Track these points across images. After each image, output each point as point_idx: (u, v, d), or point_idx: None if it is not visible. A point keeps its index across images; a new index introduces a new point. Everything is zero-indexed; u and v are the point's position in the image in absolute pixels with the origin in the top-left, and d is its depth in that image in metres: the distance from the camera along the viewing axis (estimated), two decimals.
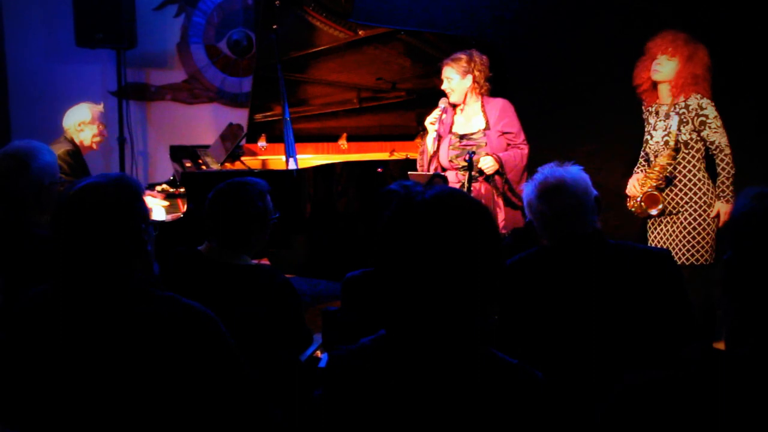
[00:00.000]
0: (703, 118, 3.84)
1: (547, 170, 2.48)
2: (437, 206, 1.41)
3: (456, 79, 4.23)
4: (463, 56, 4.25)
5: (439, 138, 4.25)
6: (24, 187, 2.67)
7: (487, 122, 4.25)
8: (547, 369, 2.26)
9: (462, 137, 4.27)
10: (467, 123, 4.31)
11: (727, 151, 3.84)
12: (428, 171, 4.24)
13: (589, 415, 2.15)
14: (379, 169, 4.58)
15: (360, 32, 4.89)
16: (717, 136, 3.83)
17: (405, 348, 1.43)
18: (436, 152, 4.28)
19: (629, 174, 4.22)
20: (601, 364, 2.29)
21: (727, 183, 3.84)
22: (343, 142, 5.29)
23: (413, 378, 1.41)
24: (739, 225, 1.49)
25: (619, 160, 4.90)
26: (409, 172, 4.27)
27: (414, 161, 4.82)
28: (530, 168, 4.35)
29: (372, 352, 1.47)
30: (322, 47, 4.92)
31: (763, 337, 1.40)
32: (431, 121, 4.28)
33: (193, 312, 1.81)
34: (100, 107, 4.83)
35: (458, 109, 4.35)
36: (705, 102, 3.86)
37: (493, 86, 4.39)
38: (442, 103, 4.29)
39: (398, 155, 5.26)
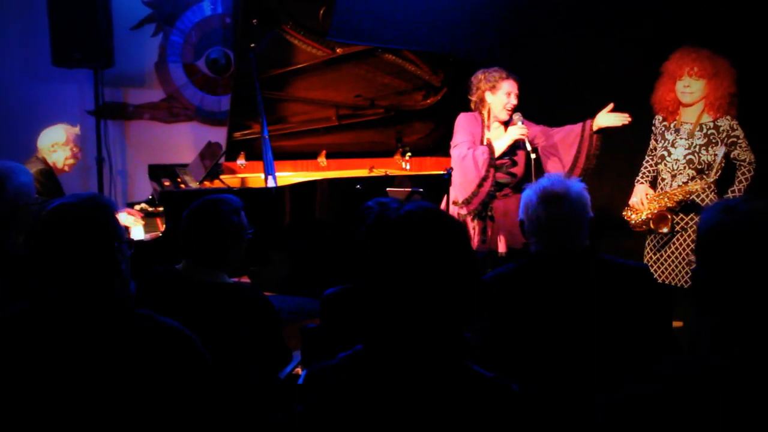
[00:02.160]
0: (735, 139, 3.85)
1: (554, 178, 2.50)
2: (411, 222, 1.42)
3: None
4: None
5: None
6: None
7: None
8: (532, 380, 2.29)
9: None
10: (504, 135, 4.24)
11: (751, 167, 3.87)
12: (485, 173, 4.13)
13: (573, 426, 2.17)
14: (358, 186, 4.59)
15: (338, 50, 4.91)
16: (747, 154, 3.87)
17: (382, 362, 1.44)
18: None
19: (616, 187, 4.20)
20: (585, 376, 2.31)
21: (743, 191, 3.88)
22: (322, 160, 5.30)
23: (390, 392, 1.41)
24: (705, 238, 1.50)
25: (607, 174, 4.93)
26: (387, 189, 4.27)
27: (393, 177, 4.84)
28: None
29: (349, 367, 1.47)
30: (301, 65, 4.93)
31: (749, 345, 1.42)
32: (523, 134, 4.12)
33: (170, 330, 1.81)
34: (76, 129, 4.81)
35: (493, 125, 4.31)
36: (735, 123, 3.86)
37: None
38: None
39: (377, 172, 5.27)
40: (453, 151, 4.27)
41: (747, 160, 3.86)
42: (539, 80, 5.08)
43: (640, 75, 4.21)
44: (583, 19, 5.05)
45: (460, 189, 4.18)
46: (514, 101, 4.20)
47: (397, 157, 5.45)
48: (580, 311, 2.36)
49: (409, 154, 5.40)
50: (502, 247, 4.20)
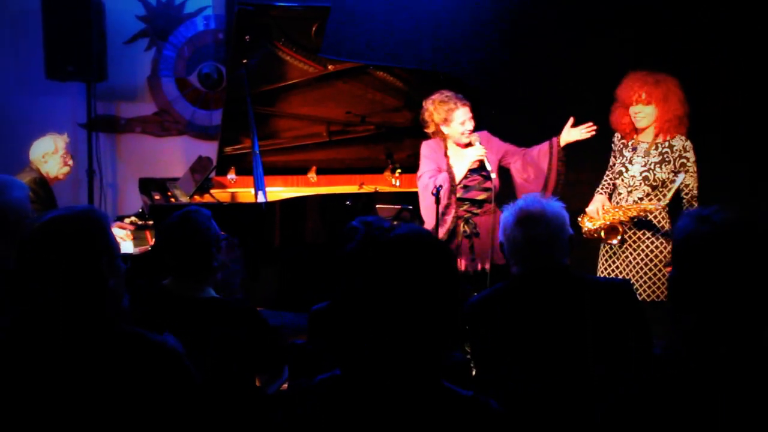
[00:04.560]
0: (684, 161, 3.93)
1: (531, 198, 2.52)
2: (400, 246, 1.45)
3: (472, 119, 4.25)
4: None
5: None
6: None
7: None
8: (520, 398, 2.32)
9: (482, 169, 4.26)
10: (464, 158, 4.30)
11: (696, 194, 3.95)
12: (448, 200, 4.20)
13: None
14: (348, 202, 4.61)
15: (329, 66, 4.95)
16: (692, 180, 3.94)
17: (359, 384, 1.45)
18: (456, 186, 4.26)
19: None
20: (570, 392, 2.33)
21: None
22: (312, 175, 5.33)
23: (367, 417, 1.43)
24: (681, 245, 1.61)
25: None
26: (377, 206, 4.30)
27: (383, 194, 4.87)
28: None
29: (326, 390, 1.48)
30: (292, 81, 4.96)
31: (732, 343, 1.50)
32: (481, 155, 4.18)
33: (159, 349, 1.80)
34: (64, 137, 4.85)
35: (453, 149, 4.34)
36: (688, 145, 3.96)
37: None
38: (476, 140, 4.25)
39: (367, 188, 5.29)
40: (418, 182, 4.34)
41: (691, 186, 3.94)
42: (539, 80, 5.11)
43: None
44: (582, 19, 5.09)
45: (426, 218, 4.25)
46: (469, 126, 4.24)
47: (387, 173, 5.47)
48: (560, 330, 2.38)
49: (399, 170, 5.43)
50: (486, 264, 4.23)
